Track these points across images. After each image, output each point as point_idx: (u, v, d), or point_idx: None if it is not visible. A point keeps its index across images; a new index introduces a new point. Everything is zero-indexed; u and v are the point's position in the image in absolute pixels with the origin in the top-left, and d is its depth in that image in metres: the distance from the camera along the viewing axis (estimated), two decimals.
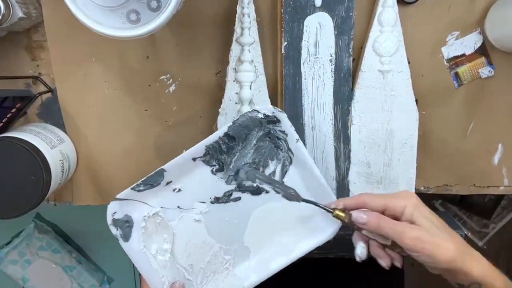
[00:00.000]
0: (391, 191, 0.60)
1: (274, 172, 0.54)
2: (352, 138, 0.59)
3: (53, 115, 0.62)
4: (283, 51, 0.56)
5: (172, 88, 0.61)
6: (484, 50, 0.60)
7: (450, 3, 0.59)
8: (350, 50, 0.56)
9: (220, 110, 0.58)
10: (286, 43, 0.56)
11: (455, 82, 0.61)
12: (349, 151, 0.59)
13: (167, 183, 0.52)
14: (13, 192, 0.52)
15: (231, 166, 0.53)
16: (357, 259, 0.49)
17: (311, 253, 0.56)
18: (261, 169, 0.53)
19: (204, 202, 0.53)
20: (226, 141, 0.51)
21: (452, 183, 0.65)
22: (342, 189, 0.60)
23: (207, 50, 0.60)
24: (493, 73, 0.60)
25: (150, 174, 0.51)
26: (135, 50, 0.60)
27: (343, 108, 0.58)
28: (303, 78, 0.57)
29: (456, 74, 0.61)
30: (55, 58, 0.59)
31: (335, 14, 0.55)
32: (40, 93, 0.60)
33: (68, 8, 0.43)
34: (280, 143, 0.53)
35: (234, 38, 0.56)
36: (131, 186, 0.51)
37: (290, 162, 0.53)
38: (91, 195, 0.64)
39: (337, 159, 0.59)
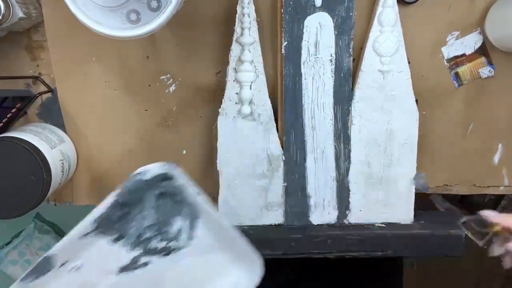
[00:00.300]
0: (391, 191, 0.60)
1: (181, 229, 0.50)
2: (352, 138, 0.59)
3: (53, 115, 0.62)
4: (283, 51, 0.56)
5: (172, 88, 0.61)
6: (484, 50, 0.60)
7: (450, 3, 0.59)
8: (350, 50, 0.56)
9: (220, 110, 0.58)
10: (286, 43, 0.56)
11: (455, 82, 0.61)
12: (349, 151, 0.59)
13: (63, 264, 0.48)
14: (13, 192, 0.52)
15: (131, 232, 0.49)
16: (493, 254, 0.50)
17: (310, 253, 0.56)
18: (166, 228, 0.50)
19: (110, 274, 0.50)
20: (118, 209, 0.48)
21: (452, 183, 0.65)
22: (342, 189, 0.60)
23: (207, 50, 0.60)
24: (493, 73, 0.60)
25: (35, 264, 0.47)
26: (135, 50, 0.60)
27: (343, 108, 0.58)
28: (303, 78, 0.57)
29: (456, 74, 0.61)
30: (55, 58, 0.59)
31: (335, 14, 0.55)
32: (40, 93, 0.60)
33: (68, 8, 0.43)
34: (180, 198, 0.49)
35: (234, 38, 0.56)
36: (20, 278, 0.46)
37: (197, 216, 0.50)
38: (91, 195, 0.64)
39: (337, 159, 0.59)
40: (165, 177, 0.48)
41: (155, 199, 0.49)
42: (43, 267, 0.47)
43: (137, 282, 0.50)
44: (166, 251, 0.51)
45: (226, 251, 0.51)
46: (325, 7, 0.55)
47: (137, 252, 0.50)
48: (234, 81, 0.57)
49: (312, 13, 0.55)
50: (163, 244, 0.51)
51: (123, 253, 0.50)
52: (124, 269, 0.50)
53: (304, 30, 0.55)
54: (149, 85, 0.61)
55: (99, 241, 0.49)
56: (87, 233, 0.48)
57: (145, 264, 0.50)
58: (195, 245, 0.51)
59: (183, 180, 0.48)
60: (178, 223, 0.51)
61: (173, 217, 0.50)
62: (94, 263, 0.49)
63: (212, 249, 0.51)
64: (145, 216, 0.50)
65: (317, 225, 0.61)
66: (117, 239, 0.49)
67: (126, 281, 0.50)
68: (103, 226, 0.48)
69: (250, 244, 0.49)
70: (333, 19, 0.55)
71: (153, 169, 0.47)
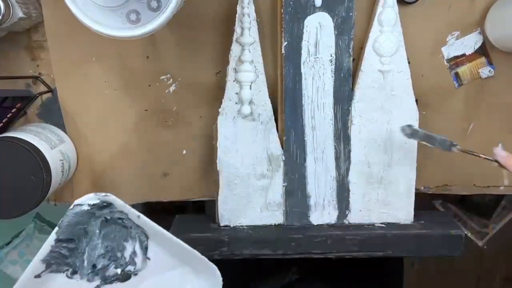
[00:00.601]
0: (391, 191, 0.60)
1: (134, 252, 0.50)
2: (352, 138, 0.59)
3: (53, 115, 0.62)
4: (283, 51, 0.56)
5: (172, 88, 0.61)
6: (484, 50, 0.60)
7: (450, 3, 0.59)
8: (350, 50, 0.56)
9: (220, 110, 0.58)
10: (286, 43, 0.56)
11: (455, 82, 0.61)
12: (349, 151, 0.59)
13: None
14: (13, 192, 0.52)
15: (85, 264, 0.49)
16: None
17: (310, 253, 0.56)
18: (119, 254, 0.50)
19: None
20: (64, 245, 0.48)
21: (452, 183, 0.65)
22: (342, 189, 0.60)
23: (207, 50, 0.60)
24: (493, 73, 0.60)
25: None
26: (135, 50, 0.60)
27: (343, 108, 0.58)
28: (303, 78, 0.57)
29: (456, 74, 0.61)
30: (55, 58, 0.59)
31: (335, 14, 0.55)
32: (40, 93, 0.60)
33: (68, 8, 0.43)
34: (125, 222, 0.49)
35: (234, 38, 0.56)
36: None
37: (147, 237, 0.50)
38: None
39: (337, 159, 0.59)
40: (103, 205, 0.48)
41: (99, 227, 0.49)
42: None
43: None
44: (125, 276, 0.51)
45: (184, 265, 0.51)
46: (325, 7, 0.55)
47: (96, 282, 0.50)
48: (234, 81, 0.57)
49: (312, 13, 0.55)
50: (119, 270, 0.51)
51: (83, 286, 0.50)
52: None
53: (304, 30, 0.55)
54: (149, 85, 0.61)
55: (55, 278, 0.49)
56: (39, 274, 0.48)
57: None
58: (152, 266, 0.51)
59: (122, 206, 0.48)
60: (130, 247, 0.50)
61: (123, 242, 0.50)
62: None
63: (170, 266, 0.51)
64: (94, 247, 0.50)
65: (317, 225, 0.61)
66: (72, 273, 0.50)
67: None
68: (54, 263, 0.48)
69: (202, 255, 0.49)
70: (333, 19, 0.55)
71: (87, 200, 0.47)
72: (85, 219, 0.48)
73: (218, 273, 0.49)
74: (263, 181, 0.59)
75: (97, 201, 0.47)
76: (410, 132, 0.56)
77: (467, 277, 1.53)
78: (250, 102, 0.57)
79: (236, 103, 0.57)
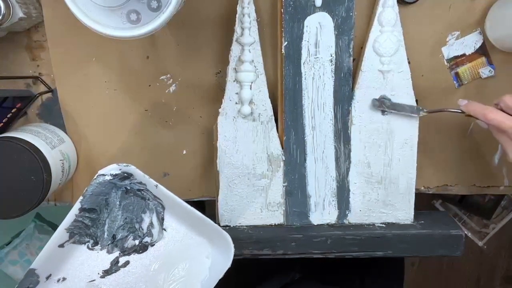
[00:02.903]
0: (391, 191, 0.60)
1: (151, 224, 0.52)
2: (352, 138, 0.59)
3: (53, 115, 0.62)
4: (283, 51, 0.56)
5: (172, 88, 0.61)
6: (484, 50, 0.60)
7: (450, 3, 0.59)
8: (350, 50, 0.56)
9: (220, 110, 0.58)
10: (286, 43, 0.56)
11: (455, 82, 0.61)
12: (349, 151, 0.59)
13: (47, 278, 0.50)
14: (13, 192, 0.52)
15: (105, 235, 0.51)
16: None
17: (310, 253, 0.56)
18: (137, 225, 0.52)
19: (94, 280, 0.51)
20: (87, 214, 0.50)
21: (452, 183, 0.65)
22: (342, 189, 0.60)
23: (207, 50, 0.60)
24: (493, 73, 0.60)
25: (21, 279, 0.49)
26: (135, 50, 0.60)
27: (343, 108, 0.58)
28: (303, 78, 0.57)
29: (457, 74, 0.61)
30: (55, 58, 0.59)
31: (335, 14, 0.55)
32: (40, 93, 0.60)
33: (68, 8, 0.43)
34: (144, 193, 0.51)
35: (234, 38, 0.56)
36: None
37: (163, 208, 0.52)
38: None
39: (337, 159, 0.59)
40: (124, 176, 0.50)
41: (120, 199, 0.51)
42: (28, 283, 0.49)
43: (123, 283, 0.52)
44: (143, 248, 0.53)
45: (199, 235, 0.53)
46: (325, 7, 0.55)
47: (115, 254, 0.52)
48: (234, 81, 0.57)
49: (312, 13, 0.55)
50: (137, 241, 0.52)
51: (103, 257, 0.52)
52: (106, 272, 0.52)
53: (304, 30, 0.55)
54: (149, 85, 0.61)
55: (77, 249, 0.51)
56: (63, 243, 0.50)
57: (126, 263, 0.52)
58: (168, 236, 0.53)
59: (141, 176, 0.50)
60: (148, 219, 0.52)
61: (141, 213, 0.52)
62: (77, 272, 0.51)
63: (185, 237, 0.53)
64: (114, 218, 0.52)
65: (317, 225, 0.61)
66: (93, 245, 0.51)
67: (112, 283, 0.52)
68: (77, 233, 0.50)
69: (216, 225, 0.51)
70: (333, 19, 0.55)
71: (110, 170, 0.49)
72: (107, 190, 0.50)
73: (230, 241, 0.51)
74: (263, 181, 0.59)
75: (118, 172, 0.49)
76: (378, 104, 0.57)
77: (467, 277, 1.53)
78: (250, 102, 0.57)
79: (236, 103, 0.57)
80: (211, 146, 0.62)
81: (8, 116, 0.57)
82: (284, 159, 0.59)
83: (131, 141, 0.63)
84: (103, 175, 0.49)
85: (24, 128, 0.58)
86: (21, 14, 0.53)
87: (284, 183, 0.59)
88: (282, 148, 0.59)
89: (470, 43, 0.60)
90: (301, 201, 0.60)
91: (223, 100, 0.58)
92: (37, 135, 0.56)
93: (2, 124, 0.56)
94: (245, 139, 0.58)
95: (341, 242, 0.58)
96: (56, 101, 0.61)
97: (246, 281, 0.77)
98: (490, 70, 0.60)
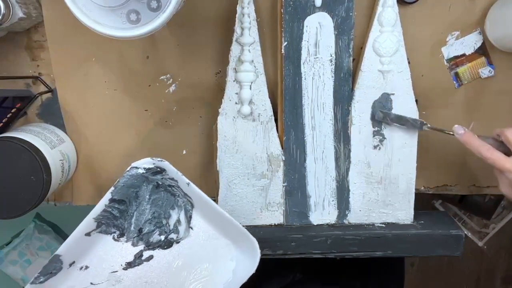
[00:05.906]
0: (391, 191, 0.60)
1: (179, 221, 0.52)
2: (352, 138, 0.59)
3: (53, 115, 0.62)
4: (283, 51, 0.56)
5: (172, 88, 0.61)
6: (484, 50, 0.60)
7: (450, 3, 0.59)
8: (350, 50, 0.56)
9: (220, 110, 0.58)
10: (286, 43, 0.56)
11: (455, 82, 0.61)
12: (349, 151, 0.59)
13: (71, 265, 0.50)
14: (13, 192, 0.52)
15: (132, 228, 0.51)
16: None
17: (310, 253, 0.56)
18: (164, 221, 0.52)
19: (116, 271, 0.51)
20: (116, 206, 0.50)
21: (452, 183, 0.65)
22: (342, 189, 0.60)
23: (207, 50, 0.60)
24: (493, 73, 0.60)
25: (45, 264, 0.49)
26: (135, 50, 0.60)
27: (343, 108, 0.58)
28: (303, 78, 0.57)
29: (456, 74, 0.61)
30: (55, 58, 0.59)
31: (335, 14, 0.55)
32: (40, 93, 0.60)
33: (68, 8, 0.43)
34: (175, 190, 0.51)
35: (234, 38, 0.56)
36: (31, 281, 0.48)
37: (192, 206, 0.52)
38: (91, 195, 0.64)
39: (337, 159, 0.59)
40: (156, 171, 0.50)
41: (149, 193, 0.51)
42: (52, 268, 0.49)
43: (142, 278, 0.52)
44: (168, 244, 0.52)
45: (225, 237, 0.53)
46: (325, 7, 0.55)
47: (140, 247, 0.52)
48: (234, 81, 0.57)
49: (312, 13, 0.55)
50: (163, 237, 0.52)
51: (127, 250, 0.52)
52: (129, 265, 0.52)
53: (304, 30, 0.55)
54: (149, 85, 0.61)
55: (103, 239, 0.51)
56: (90, 232, 0.50)
57: (149, 258, 0.52)
58: (194, 235, 0.53)
59: (174, 172, 0.50)
60: (175, 215, 0.52)
61: (169, 209, 0.52)
62: (100, 262, 0.51)
63: (211, 237, 0.53)
64: (142, 211, 0.52)
65: (317, 225, 0.61)
66: (119, 236, 0.51)
67: (132, 277, 0.52)
68: (104, 223, 0.50)
69: (244, 228, 0.51)
70: (333, 19, 0.55)
71: (144, 163, 0.50)
72: (139, 183, 0.50)
73: (257, 245, 0.50)
74: (263, 181, 0.59)
75: (152, 166, 0.50)
76: (382, 115, 0.57)
77: (467, 277, 1.53)
78: (250, 102, 0.57)
79: (236, 103, 0.58)
80: (211, 146, 0.62)
81: (8, 116, 0.57)
82: (284, 159, 0.59)
83: (131, 141, 0.63)
84: (136, 167, 0.50)
85: (24, 128, 0.58)
86: (21, 14, 0.53)
87: (284, 183, 0.59)
88: (282, 148, 0.59)
89: (470, 43, 0.60)
90: (301, 201, 0.60)
91: (223, 100, 0.58)
92: (37, 135, 0.56)
93: (2, 124, 0.56)
94: (245, 139, 0.58)
95: (341, 242, 0.58)
96: (56, 101, 0.61)
97: (246, 282, 0.77)
98: (490, 70, 0.60)
